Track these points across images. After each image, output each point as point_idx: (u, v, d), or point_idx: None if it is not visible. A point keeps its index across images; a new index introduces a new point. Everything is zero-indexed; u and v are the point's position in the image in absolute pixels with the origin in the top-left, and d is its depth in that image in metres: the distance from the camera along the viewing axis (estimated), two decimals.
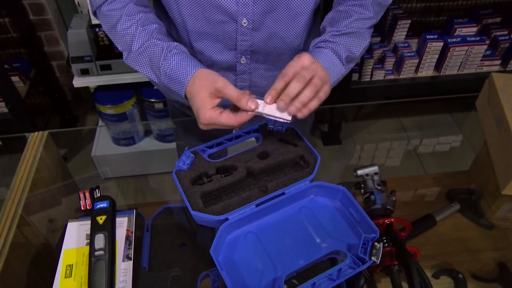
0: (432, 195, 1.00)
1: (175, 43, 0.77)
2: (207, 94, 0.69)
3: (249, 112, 0.69)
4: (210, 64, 0.86)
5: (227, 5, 0.75)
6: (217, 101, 0.69)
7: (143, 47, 0.76)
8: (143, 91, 1.88)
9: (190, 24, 0.80)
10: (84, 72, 1.75)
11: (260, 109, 0.69)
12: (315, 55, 0.77)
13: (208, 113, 0.68)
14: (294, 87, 0.67)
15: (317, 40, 0.81)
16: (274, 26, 0.80)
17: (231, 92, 0.68)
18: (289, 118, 0.69)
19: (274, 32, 0.81)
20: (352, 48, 0.81)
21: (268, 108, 0.70)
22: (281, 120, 0.70)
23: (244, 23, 0.78)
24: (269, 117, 0.71)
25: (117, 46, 0.79)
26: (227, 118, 0.68)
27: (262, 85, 0.92)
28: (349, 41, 0.81)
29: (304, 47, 0.89)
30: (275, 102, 0.70)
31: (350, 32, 0.80)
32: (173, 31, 0.86)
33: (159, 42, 0.76)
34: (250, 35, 0.80)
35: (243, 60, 0.85)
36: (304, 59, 0.68)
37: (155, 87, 1.82)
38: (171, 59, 0.74)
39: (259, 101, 0.70)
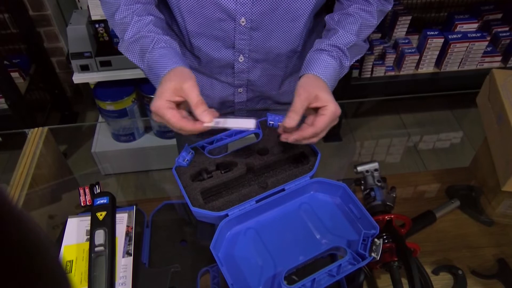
0: (432, 191, 1.00)
1: (167, 37, 0.76)
2: (171, 87, 0.66)
3: (199, 125, 0.66)
4: (208, 61, 0.86)
5: (226, 3, 0.75)
6: (177, 98, 0.66)
7: (135, 36, 0.76)
8: (143, 87, 1.88)
9: (188, 20, 0.80)
10: (84, 68, 1.75)
11: (220, 124, 0.67)
12: (327, 68, 0.76)
13: (159, 102, 0.66)
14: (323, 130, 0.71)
15: (329, 43, 0.78)
16: (272, 26, 0.80)
17: (193, 96, 0.65)
18: (253, 126, 0.68)
19: (272, 32, 0.81)
20: (351, 61, 0.83)
21: (230, 122, 0.68)
22: (244, 129, 0.69)
23: (243, 22, 0.78)
24: (231, 128, 0.69)
25: (116, 34, 0.80)
26: (172, 116, 0.65)
27: (260, 84, 0.92)
28: (353, 54, 0.82)
29: (304, 49, 0.89)
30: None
31: (357, 44, 0.81)
32: (174, 26, 0.86)
33: (151, 34, 0.75)
34: (248, 34, 0.80)
35: (241, 59, 0.85)
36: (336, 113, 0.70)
37: None
38: (156, 52, 0.73)
39: (220, 119, 0.67)
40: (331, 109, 0.69)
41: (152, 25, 0.76)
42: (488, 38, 1.85)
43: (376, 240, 0.67)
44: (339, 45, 0.78)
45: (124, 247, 0.75)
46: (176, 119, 0.65)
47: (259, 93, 0.95)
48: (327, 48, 0.78)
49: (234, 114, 1.01)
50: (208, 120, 0.66)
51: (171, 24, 0.86)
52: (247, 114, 1.00)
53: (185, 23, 0.81)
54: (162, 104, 0.65)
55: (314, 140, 0.72)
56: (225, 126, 0.67)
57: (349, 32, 0.79)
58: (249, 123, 0.68)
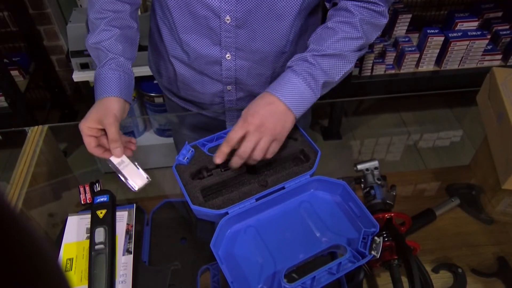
0: (432, 189, 1.00)
1: (121, 58, 0.81)
2: (95, 118, 0.75)
3: (107, 154, 0.76)
4: (197, 57, 0.87)
5: (210, 1, 0.75)
6: (99, 126, 0.75)
7: (95, 45, 0.81)
8: (143, 86, 1.88)
9: (176, 16, 0.81)
10: (84, 66, 1.74)
11: (120, 167, 0.77)
12: (285, 85, 0.74)
13: (82, 126, 0.75)
14: (245, 152, 0.70)
15: (297, 58, 0.77)
16: (257, 25, 0.80)
17: (110, 132, 0.74)
18: (136, 188, 0.77)
19: (257, 30, 0.81)
20: (332, 72, 0.76)
21: (126, 170, 0.77)
22: (129, 185, 0.77)
23: (227, 20, 0.78)
24: (120, 176, 0.77)
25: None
26: (87, 143, 0.75)
27: (249, 83, 0.91)
28: (329, 64, 0.76)
29: (294, 49, 0.88)
30: None
31: (333, 53, 0.75)
32: (166, 20, 0.86)
33: (108, 52, 0.80)
34: (234, 32, 0.80)
35: (228, 56, 0.85)
36: (250, 125, 0.70)
37: (155, 81, 1.81)
38: (103, 70, 0.79)
39: (125, 160, 0.77)
40: (241, 119, 0.71)
41: (114, 40, 0.81)
42: (489, 37, 1.85)
43: (376, 238, 0.67)
44: (306, 57, 0.75)
45: (124, 245, 0.75)
46: (89, 146, 0.76)
47: (249, 92, 0.95)
48: (290, 64, 0.77)
49: (225, 114, 1.01)
50: (118, 155, 0.76)
51: (163, 18, 0.87)
52: (238, 113, 1.00)
53: (173, 18, 0.82)
54: (83, 130, 0.75)
55: (237, 159, 0.71)
56: (120, 171, 0.77)
57: (319, 45, 0.76)
58: (136, 181, 0.77)
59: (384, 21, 0.79)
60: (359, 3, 0.76)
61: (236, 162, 0.71)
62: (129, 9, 0.83)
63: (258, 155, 0.71)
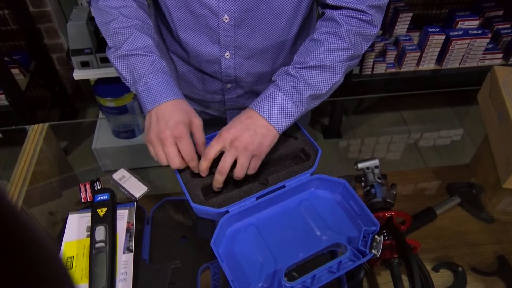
0: (432, 188, 1.00)
1: (164, 62, 0.76)
2: (184, 120, 0.70)
3: (191, 162, 0.71)
4: (196, 55, 0.87)
5: (208, 0, 0.75)
6: (186, 129, 0.70)
7: (135, 51, 0.74)
8: None
9: (174, 14, 0.81)
10: (84, 65, 1.74)
11: (121, 182, 0.84)
12: (266, 100, 0.72)
13: (182, 129, 0.69)
14: (223, 169, 0.69)
15: (281, 71, 0.76)
16: (255, 23, 0.79)
17: (202, 135, 0.72)
18: (137, 197, 0.84)
19: (256, 29, 0.81)
20: (318, 84, 0.74)
21: (127, 183, 0.84)
22: (131, 195, 0.84)
23: (226, 19, 0.78)
24: (122, 190, 0.84)
25: (106, 41, 0.78)
26: (191, 144, 0.70)
27: (248, 81, 0.91)
28: (314, 76, 0.73)
29: (293, 46, 0.88)
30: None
31: (317, 65, 0.73)
32: (164, 19, 0.86)
33: (152, 55, 0.75)
34: (232, 31, 0.80)
35: (227, 55, 0.85)
36: (225, 140, 0.70)
37: None
38: (158, 76, 0.73)
39: (126, 174, 0.84)
40: (218, 133, 0.71)
41: (154, 46, 0.76)
42: (489, 35, 1.85)
43: (376, 237, 0.67)
44: (289, 70, 0.74)
45: (124, 243, 0.75)
46: (193, 149, 0.70)
47: (249, 90, 0.95)
48: (274, 78, 0.76)
49: (226, 112, 1.01)
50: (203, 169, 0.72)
51: (162, 17, 0.87)
52: (239, 111, 1.00)
53: (172, 17, 0.82)
54: (186, 132, 0.69)
55: (217, 175, 0.70)
56: (122, 185, 0.84)
57: (304, 58, 0.74)
58: (137, 192, 0.84)
59: (374, 30, 0.76)
60: (345, 12, 0.74)
61: (216, 179, 0.70)
62: (147, 18, 0.80)
63: (239, 173, 0.69)
